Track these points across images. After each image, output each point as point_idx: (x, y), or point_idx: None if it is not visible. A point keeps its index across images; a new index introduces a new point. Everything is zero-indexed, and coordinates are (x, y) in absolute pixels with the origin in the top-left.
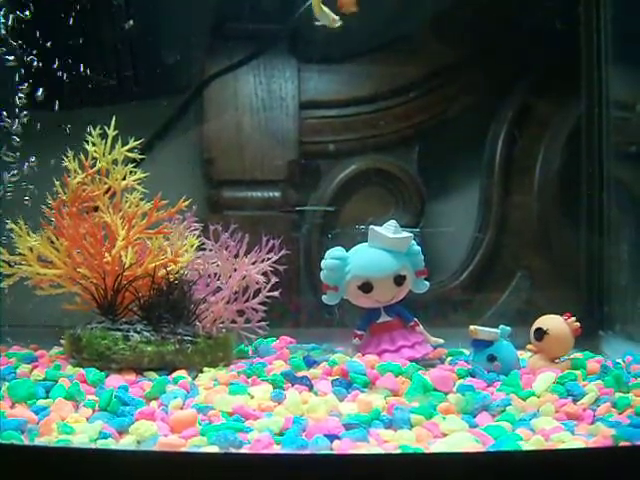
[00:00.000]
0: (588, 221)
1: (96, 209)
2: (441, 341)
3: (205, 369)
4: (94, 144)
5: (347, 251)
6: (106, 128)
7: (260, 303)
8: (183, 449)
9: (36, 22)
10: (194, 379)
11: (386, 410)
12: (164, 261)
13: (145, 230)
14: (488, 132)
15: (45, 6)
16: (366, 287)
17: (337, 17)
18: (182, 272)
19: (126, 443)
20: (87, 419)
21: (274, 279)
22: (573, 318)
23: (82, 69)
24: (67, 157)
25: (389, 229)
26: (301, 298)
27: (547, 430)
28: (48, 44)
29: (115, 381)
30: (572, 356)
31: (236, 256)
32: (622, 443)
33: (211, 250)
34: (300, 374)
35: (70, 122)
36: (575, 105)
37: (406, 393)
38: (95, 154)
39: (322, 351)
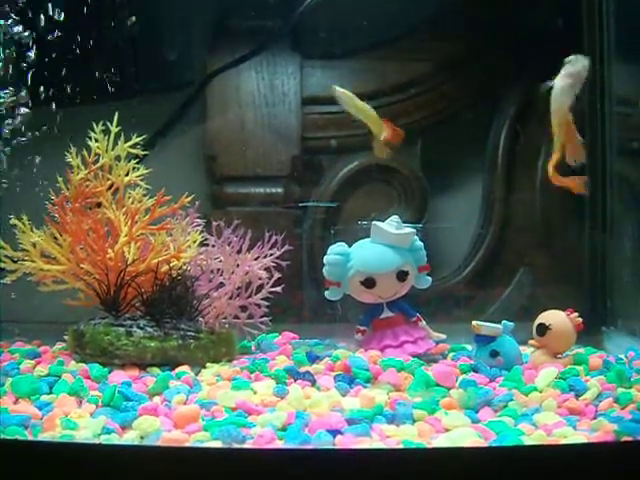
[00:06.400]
0: (591, 217)
1: (99, 205)
2: (443, 336)
3: (208, 365)
4: (97, 140)
5: (350, 247)
6: (109, 124)
7: (263, 299)
8: (186, 444)
9: (37, 19)
10: (197, 375)
11: (389, 405)
12: (167, 257)
13: (148, 226)
14: (491, 128)
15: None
16: (369, 283)
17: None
18: (185, 268)
19: (129, 438)
20: (90, 414)
21: (277, 275)
22: (575, 314)
23: (85, 66)
24: (70, 153)
25: (392, 225)
26: (304, 294)
27: (549, 425)
28: (50, 40)
29: (118, 377)
30: (574, 351)
31: (239, 252)
32: (624, 438)
33: (214, 246)
34: (303, 369)
35: (72, 119)
36: (578, 101)
37: (409, 388)
38: (98, 150)
39: (325, 346)
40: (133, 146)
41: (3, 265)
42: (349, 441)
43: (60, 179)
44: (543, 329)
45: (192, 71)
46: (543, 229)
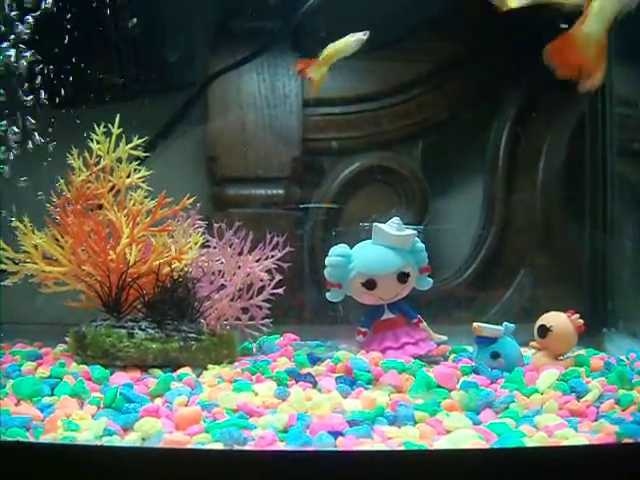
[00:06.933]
0: (591, 218)
1: (100, 207)
2: (445, 338)
3: (209, 366)
4: (98, 142)
5: (351, 248)
6: (110, 126)
7: (264, 300)
8: (188, 446)
9: (39, 19)
10: (198, 376)
11: (390, 407)
12: (168, 259)
13: (149, 228)
14: (491, 129)
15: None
16: (370, 284)
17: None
18: (186, 270)
19: (131, 440)
20: (92, 416)
21: (278, 276)
22: (577, 315)
23: (86, 67)
24: (71, 155)
25: (393, 226)
26: (305, 295)
27: (550, 427)
28: (51, 42)
29: (120, 378)
30: (575, 353)
31: (240, 253)
32: (625, 440)
33: (215, 248)
34: (304, 371)
35: (73, 121)
36: (578, 102)
37: (410, 390)
38: (99, 152)
39: (326, 348)
40: (134, 148)
41: (4, 267)
42: (350, 443)
43: (62, 181)
44: (544, 331)
45: (193, 72)
46: (544, 230)
